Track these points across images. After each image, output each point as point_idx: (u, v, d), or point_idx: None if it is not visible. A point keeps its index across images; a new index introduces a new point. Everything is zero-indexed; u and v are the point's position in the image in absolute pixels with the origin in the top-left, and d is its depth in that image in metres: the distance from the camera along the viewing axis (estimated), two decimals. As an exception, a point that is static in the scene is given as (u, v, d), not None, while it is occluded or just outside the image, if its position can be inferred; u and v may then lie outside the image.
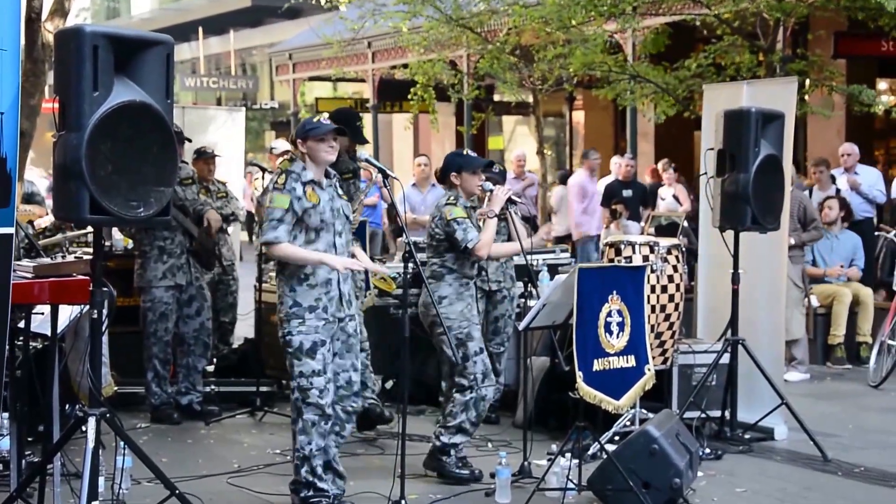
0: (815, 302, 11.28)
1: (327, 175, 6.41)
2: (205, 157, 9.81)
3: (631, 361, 6.94)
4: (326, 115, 6.60)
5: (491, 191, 7.21)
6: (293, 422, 6.33)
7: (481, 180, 7.27)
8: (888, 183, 14.14)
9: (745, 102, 8.47)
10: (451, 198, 7.21)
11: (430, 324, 7.18)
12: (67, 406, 6.65)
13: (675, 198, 15.63)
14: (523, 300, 8.55)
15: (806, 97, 14.58)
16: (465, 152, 7.49)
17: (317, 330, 6.23)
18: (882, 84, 18.64)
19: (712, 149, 8.25)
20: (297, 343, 6.23)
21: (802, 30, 15.87)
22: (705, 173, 8.34)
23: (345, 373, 6.37)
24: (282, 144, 12.81)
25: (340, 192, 6.47)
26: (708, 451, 7.73)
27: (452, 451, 7.19)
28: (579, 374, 6.61)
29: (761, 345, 8.34)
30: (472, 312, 7.20)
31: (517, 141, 26.33)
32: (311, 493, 6.31)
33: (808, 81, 14.49)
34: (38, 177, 15.37)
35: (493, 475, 6.87)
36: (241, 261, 13.81)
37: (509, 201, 7.17)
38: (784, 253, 8.77)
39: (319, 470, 6.29)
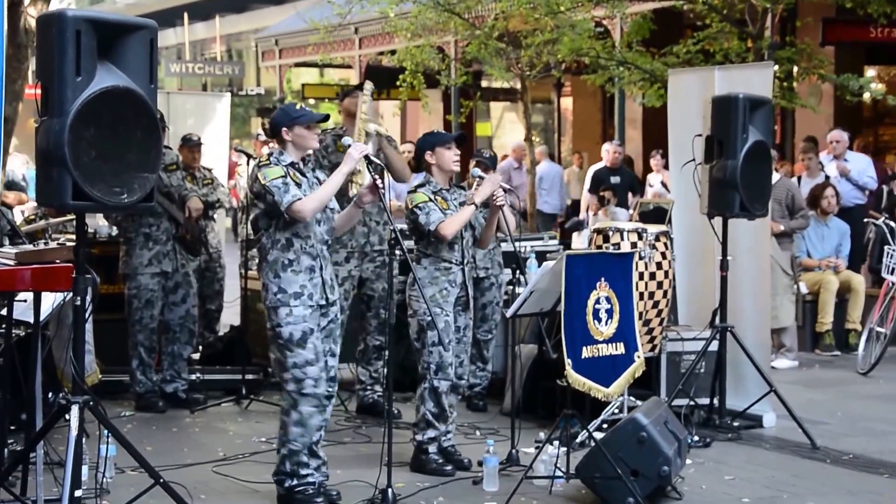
0: (803, 289, 11.26)
1: (305, 163, 6.37)
2: (189, 145, 9.74)
3: (620, 348, 6.90)
4: (302, 104, 6.50)
5: (481, 177, 7.13)
6: (285, 413, 6.26)
7: (456, 154, 7.10)
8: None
9: (717, 88, 8.43)
10: (415, 186, 7.10)
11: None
12: (50, 394, 6.59)
13: (664, 184, 15.60)
14: (511, 287, 8.51)
15: (794, 86, 14.56)
16: (434, 130, 7.39)
17: (305, 319, 6.18)
18: (870, 71, 18.60)
19: (700, 135, 8.21)
20: (287, 334, 6.18)
21: (790, 16, 15.84)
22: (693, 160, 8.29)
23: None
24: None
25: (322, 177, 6.42)
26: (696, 438, 7.71)
27: (430, 448, 7.09)
28: (568, 362, 6.57)
29: (747, 332, 8.30)
30: (447, 299, 6.98)
31: (505, 128, 26.29)
32: (295, 481, 6.26)
33: (795, 70, 14.47)
34: (20, 164, 15.19)
35: (480, 463, 6.84)
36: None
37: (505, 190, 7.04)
38: (767, 239, 8.74)
39: (305, 460, 6.25)
